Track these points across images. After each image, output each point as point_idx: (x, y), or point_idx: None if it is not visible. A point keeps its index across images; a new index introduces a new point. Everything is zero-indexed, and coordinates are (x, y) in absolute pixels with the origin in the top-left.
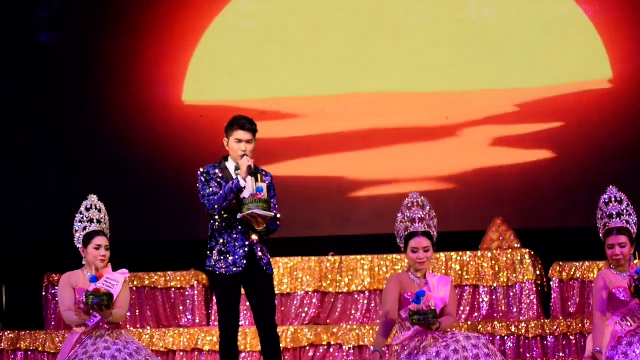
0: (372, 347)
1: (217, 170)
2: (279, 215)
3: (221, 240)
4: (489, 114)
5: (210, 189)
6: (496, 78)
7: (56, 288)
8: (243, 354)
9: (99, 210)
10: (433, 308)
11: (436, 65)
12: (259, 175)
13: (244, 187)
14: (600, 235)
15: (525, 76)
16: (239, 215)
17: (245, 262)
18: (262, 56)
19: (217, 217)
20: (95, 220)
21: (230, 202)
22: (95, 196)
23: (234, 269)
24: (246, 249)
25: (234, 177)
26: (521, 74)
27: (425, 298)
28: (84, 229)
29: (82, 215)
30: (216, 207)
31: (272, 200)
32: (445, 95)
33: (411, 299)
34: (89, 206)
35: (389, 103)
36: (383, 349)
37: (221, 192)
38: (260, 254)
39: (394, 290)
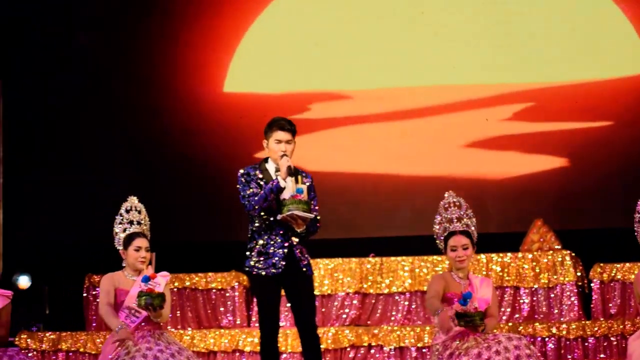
0: (435, 314)
1: (257, 172)
2: (319, 217)
3: (260, 242)
4: (527, 114)
5: (251, 190)
6: (535, 77)
7: (97, 289)
8: (284, 355)
9: (139, 212)
10: (479, 310)
11: (474, 70)
12: (299, 177)
13: (284, 188)
14: (638, 238)
15: (563, 75)
16: (279, 217)
17: (284, 263)
18: (303, 53)
19: (256, 218)
20: (135, 222)
21: (270, 203)
22: (135, 197)
23: (273, 270)
24: (285, 250)
25: (274, 178)
26: (560, 73)
27: (471, 300)
28: (124, 230)
29: (121, 217)
30: (256, 207)
31: (312, 202)
32: (484, 97)
33: (455, 298)
34: (128, 208)
35: (429, 103)
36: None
37: (261, 192)
38: (299, 255)
39: (439, 285)
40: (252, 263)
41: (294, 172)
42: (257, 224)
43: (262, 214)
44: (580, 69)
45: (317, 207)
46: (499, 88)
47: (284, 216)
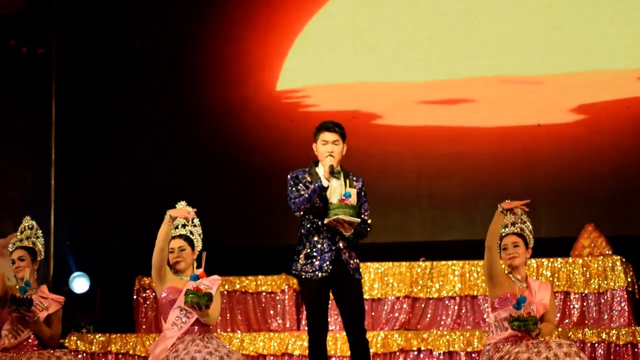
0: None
1: (306, 175)
2: (369, 221)
3: (308, 244)
4: (580, 117)
5: (297, 193)
6: (589, 74)
7: (147, 291)
8: (333, 359)
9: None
10: (534, 314)
11: (526, 73)
12: (347, 180)
13: (327, 187)
14: None
15: (621, 70)
16: (326, 221)
17: (331, 267)
18: (356, 57)
19: (306, 222)
20: (180, 226)
21: (314, 204)
22: (184, 202)
23: (320, 274)
24: (332, 254)
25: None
26: (616, 70)
27: (526, 304)
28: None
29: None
30: (301, 208)
31: (363, 206)
32: (536, 100)
33: (511, 302)
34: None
35: (479, 109)
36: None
37: (305, 194)
38: (346, 259)
39: (504, 272)
40: (299, 266)
41: (337, 172)
42: (306, 227)
43: (311, 217)
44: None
45: (367, 212)
46: (551, 94)
47: (330, 220)
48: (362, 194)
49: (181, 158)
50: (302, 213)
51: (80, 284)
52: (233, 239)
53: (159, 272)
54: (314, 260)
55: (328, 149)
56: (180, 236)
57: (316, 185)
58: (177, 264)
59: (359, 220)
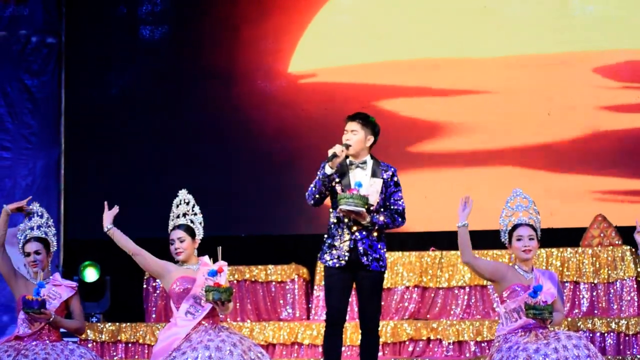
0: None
1: None
2: (401, 209)
3: (331, 234)
4: (591, 109)
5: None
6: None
7: (157, 280)
8: (343, 348)
9: (187, 203)
10: (549, 304)
11: (538, 61)
12: (373, 170)
13: (330, 174)
14: None
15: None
16: (337, 210)
17: (347, 256)
18: (365, 48)
19: (332, 210)
20: (181, 215)
21: (322, 193)
22: (185, 190)
23: (337, 263)
24: (350, 244)
25: (349, 171)
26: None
27: (540, 293)
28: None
29: (172, 214)
30: (312, 196)
31: (393, 195)
32: (546, 91)
33: (522, 290)
34: (178, 202)
35: (489, 99)
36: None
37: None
38: (365, 249)
39: (502, 265)
40: (322, 254)
41: (361, 162)
42: (331, 217)
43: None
44: None
45: (400, 200)
46: (560, 84)
47: (339, 210)
48: (392, 183)
49: (191, 147)
50: (313, 202)
51: (89, 273)
52: (242, 227)
53: (160, 272)
54: (333, 249)
55: (347, 137)
56: (179, 227)
57: (321, 173)
58: (177, 255)
59: (363, 209)
